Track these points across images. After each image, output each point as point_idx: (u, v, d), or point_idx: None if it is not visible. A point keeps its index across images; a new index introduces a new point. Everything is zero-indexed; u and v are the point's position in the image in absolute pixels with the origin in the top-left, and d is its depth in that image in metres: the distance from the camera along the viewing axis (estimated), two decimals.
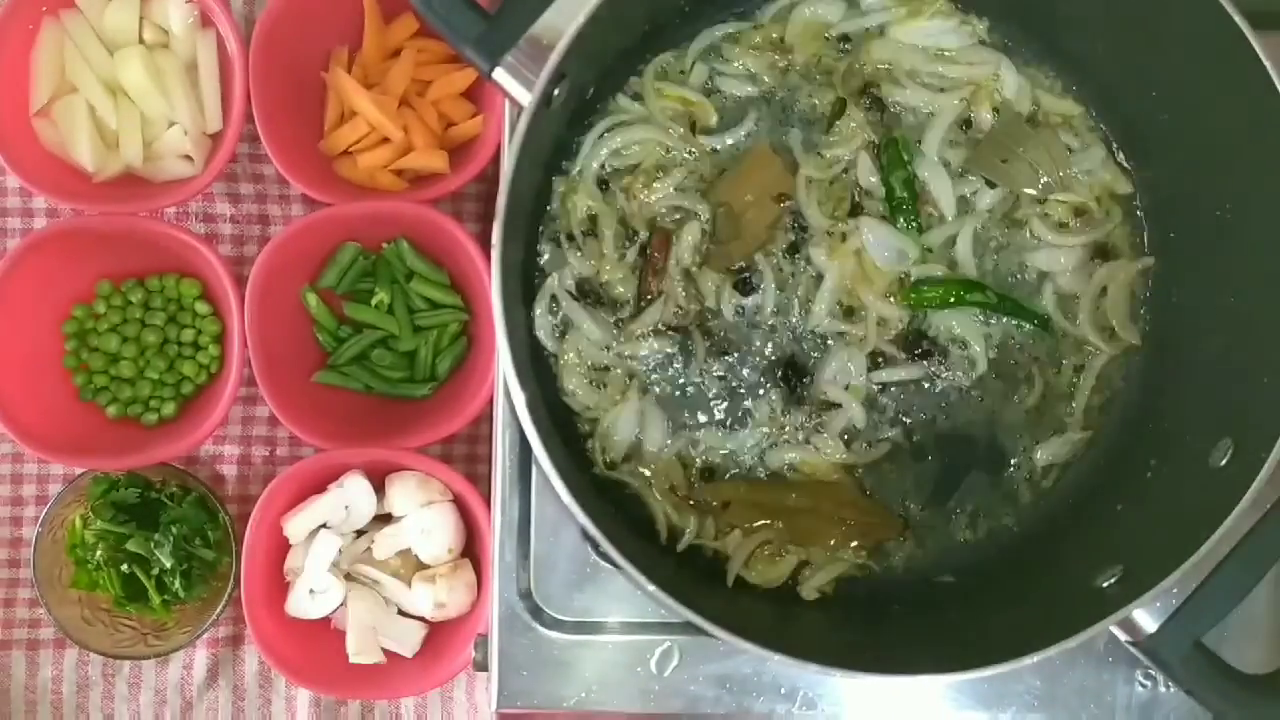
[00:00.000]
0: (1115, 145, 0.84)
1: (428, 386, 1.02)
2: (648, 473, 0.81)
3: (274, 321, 0.97)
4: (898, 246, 0.82)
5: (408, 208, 0.98)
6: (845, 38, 0.85)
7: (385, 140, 1.01)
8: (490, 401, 0.95)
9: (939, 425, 0.83)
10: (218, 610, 0.98)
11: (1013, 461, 0.83)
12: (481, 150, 0.98)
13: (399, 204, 0.99)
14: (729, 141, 0.83)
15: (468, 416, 0.95)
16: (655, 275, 0.82)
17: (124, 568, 0.99)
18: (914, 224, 0.82)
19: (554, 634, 0.81)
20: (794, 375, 0.82)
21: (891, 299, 0.82)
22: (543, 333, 0.81)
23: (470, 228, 1.03)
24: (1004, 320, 0.83)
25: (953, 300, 0.82)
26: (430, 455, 0.98)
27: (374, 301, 1.01)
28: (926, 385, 0.83)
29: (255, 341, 0.95)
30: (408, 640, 0.98)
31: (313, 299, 1.00)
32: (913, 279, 0.83)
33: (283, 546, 0.98)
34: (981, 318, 0.83)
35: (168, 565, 0.98)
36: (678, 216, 0.83)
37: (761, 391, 0.82)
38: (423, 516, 0.96)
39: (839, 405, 0.82)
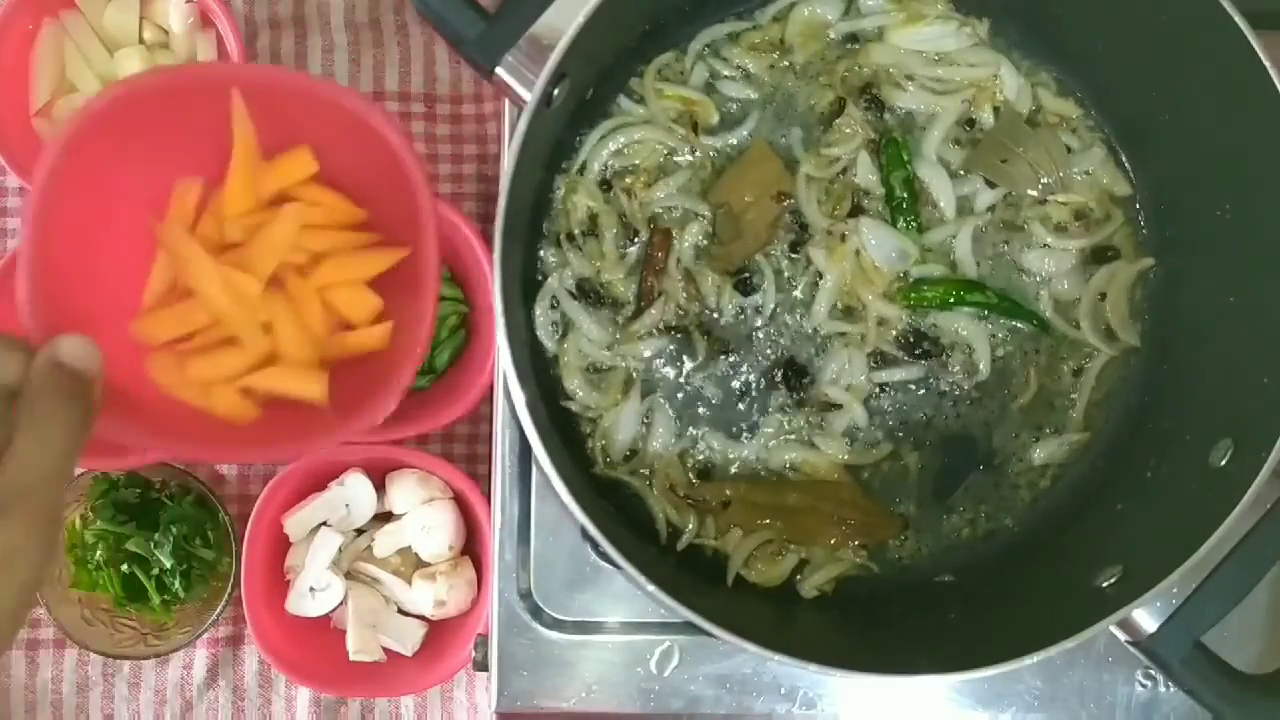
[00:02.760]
0: (1115, 145, 0.84)
1: (426, 378, 1.02)
2: (648, 473, 0.81)
3: None
4: (898, 246, 0.82)
5: None
6: (845, 37, 0.85)
7: (232, 341, 0.61)
8: (488, 393, 0.95)
9: (939, 425, 0.83)
10: (218, 610, 0.98)
11: (1013, 461, 0.83)
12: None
13: None
14: (731, 141, 0.83)
15: (465, 407, 0.95)
16: (656, 275, 0.82)
17: (124, 568, 0.99)
18: (914, 224, 0.82)
19: (554, 634, 0.81)
20: (794, 375, 0.82)
21: (891, 299, 0.82)
22: (543, 333, 0.82)
23: None
24: (1004, 321, 0.83)
25: (952, 300, 0.82)
26: (430, 452, 0.98)
27: None
28: (928, 385, 0.83)
29: None
30: (408, 638, 0.98)
31: None
32: (912, 279, 0.83)
33: (283, 545, 0.98)
34: (985, 321, 0.83)
35: (168, 565, 0.98)
36: (679, 216, 0.83)
37: (762, 392, 0.82)
38: (423, 514, 0.96)
39: (840, 405, 0.82)
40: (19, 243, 0.97)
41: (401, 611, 1.00)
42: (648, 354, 0.82)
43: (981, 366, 0.83)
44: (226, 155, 0.61)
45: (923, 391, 0.83)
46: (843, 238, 0.82)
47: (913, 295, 0.82)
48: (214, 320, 0.61)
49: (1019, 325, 0.83)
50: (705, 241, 0.83)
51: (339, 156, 0.63)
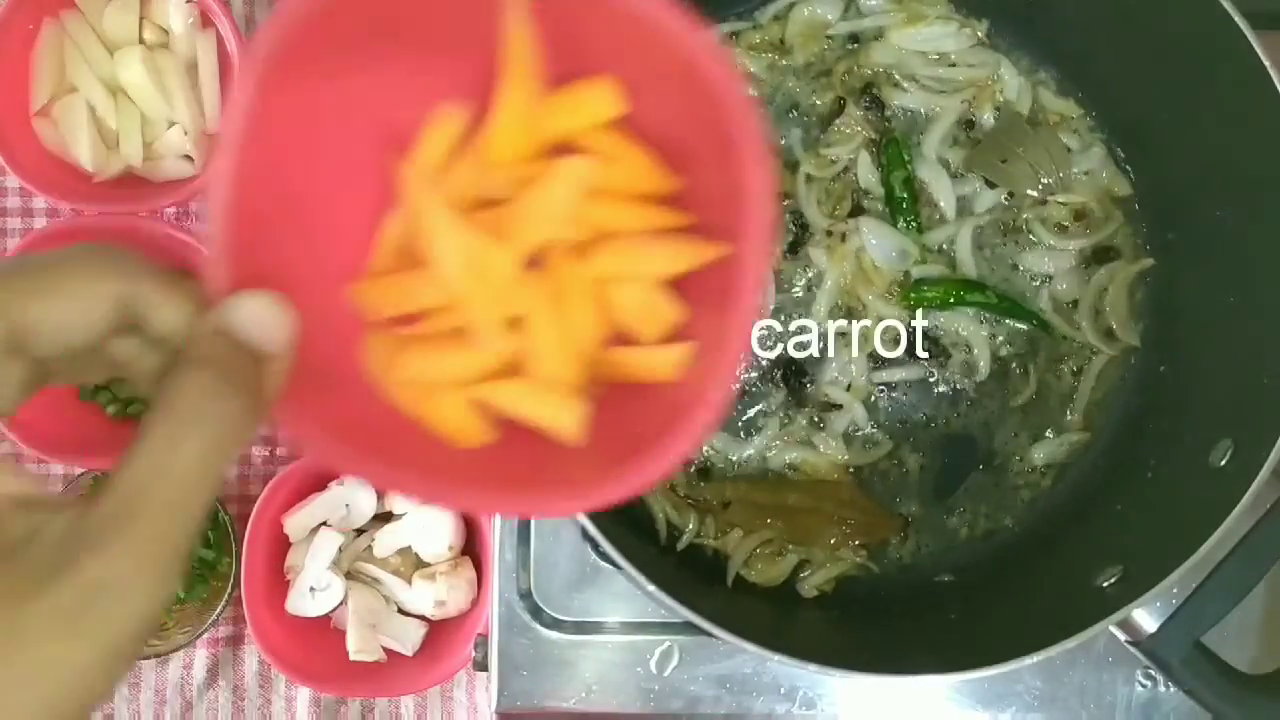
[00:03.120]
0: (1115, 145, 0.84)
1: None
2: None
3: None
4: (899, 246, 0.82)
5: None
6: (845, 38, 0.85)
7: (465, 334, 0.44)
8: None
9: (939, 425, 0.83)
10: (218, 610, 0.98)
11: (1013, 461, 0.83)
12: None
13: None
14: None
15: None
16: None
17: None
18: (914, 224, 0.82)
19: (554, 634, 0.81)
20: (794, 376, 0.82)
21: (892, 299, 0.82)
22: None
23: None
24: (1004, 321, 0.83)
25: (952, 300, 0.82)
26: None
27: None
28: (929, 385, 0.83)
29: None
30: (408, 638, 0.98)
31: None
32: (913, 279, 0.83)
33: (283, 544, 0.98)
34: (985, 322, 0.83)
35: None
36: None
37: (763, 392, 0.82)
38: (423, 514, 0.96)
39: (840, 406, 0.82)
40: (20, 242, 0.97)
41: (401, 611, 1.00)
42: None
43: (981, 366, 0.83)
44: (495, 78, 0.44)
45: (923, 392, 0.83)
46: (843, 238, 0.82)
47: (913, 295, 0.82)
48: (447, 302, 0.44)
49: (1019, 325, 0.83)
50: None
51: (646, 104, 0.44)
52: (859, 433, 0.83)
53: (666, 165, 0.45)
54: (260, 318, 0.37)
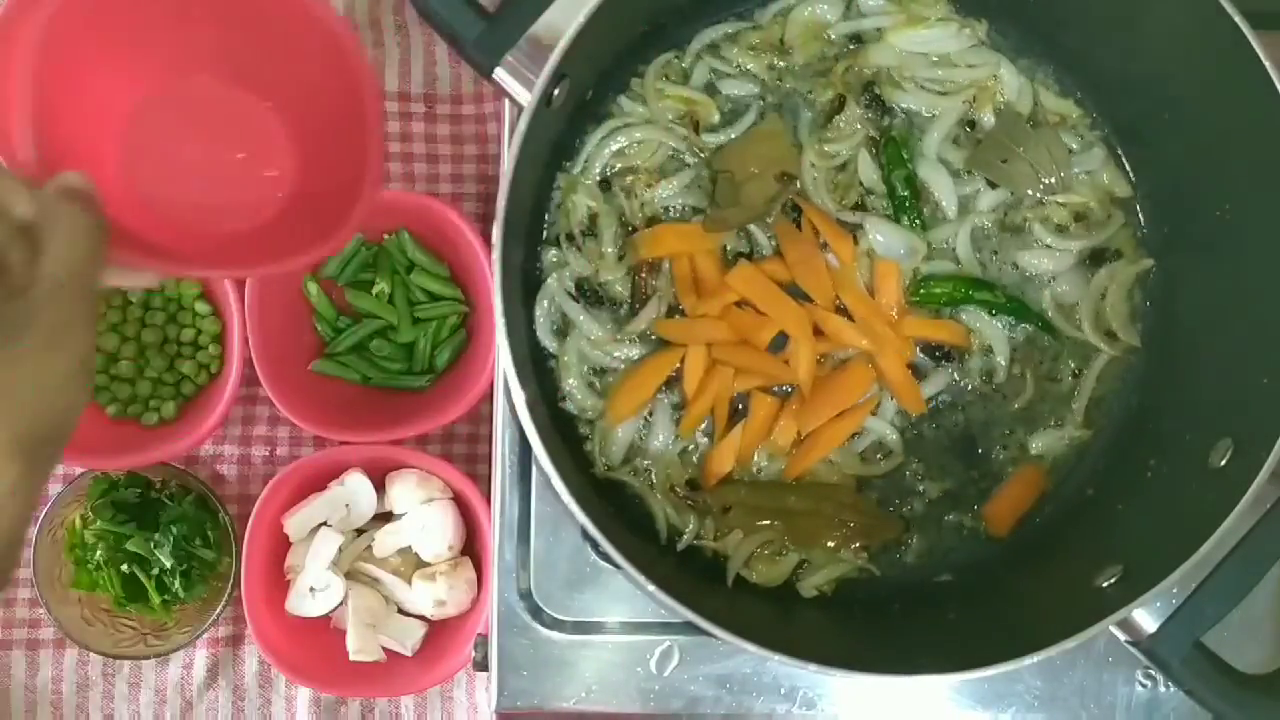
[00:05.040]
0: (1115, 145, 0.84)
1: (425, 379, 1.02)
2: (648, 474, 0.81)
3: (274, 310, 0.97)
4: (906, 243, 0.82)
5: (410, 198, 0.98)
6: (845, 38, 0.85)
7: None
8: (487, 394, 0.95)
9: (941, 425, 0.83)
10: (218, 610, 0.98)
11: (1013, 461, 0.83)
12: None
13: (400, 194, 0.99)
14: (733, 136, 0.83)
15: (463, 408, 0.95)
16: (649, 272, 0.82)
17: (124, 568, 0.98)
18: (917, 222, 0.82)
19: (554, 634, 0.81)
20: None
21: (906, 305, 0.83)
22: (543, 333, 0.82)
23: None
24: (1006, 321, 0.83)
25: (960, 298, 0.82)
26: (430, 452, 0.98)
27: (374, 291, 1.01)
28: (950, 392, 0.83)
29: (255, 328, 0.95)
30: (408, 638, 0.98)
31: (313, 288, 1.00)
32: (920, 276, 0.83)
33: (283, 544, 0.98)
34: (1003, 321, 0.83)
35: (168, 565, 0.98)
36: (679, 216, 0.83)
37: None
38: (423, 514, 0.96)
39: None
40: None
41: (401, 611, 1.00)
42: (634, 354, 0.82)
43: (1000, 365, 0.83)
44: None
45: (946, 399, 0.83)
46: (855, 238, 0.82)
47: (921, 292, 0.82)
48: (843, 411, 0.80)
49: (1022, 325, 0.83)
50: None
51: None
52: (879, 454, 0.83)
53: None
54: (80, 180, 0.57)
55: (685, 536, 0.80)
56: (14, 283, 0.52)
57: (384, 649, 0.98)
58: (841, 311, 0.81)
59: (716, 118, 0.84)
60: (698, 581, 0.79)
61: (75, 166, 0.59)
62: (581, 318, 0.81)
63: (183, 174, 0.71)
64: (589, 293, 0.82)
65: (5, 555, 0.52)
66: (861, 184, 0.83)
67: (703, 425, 0.82)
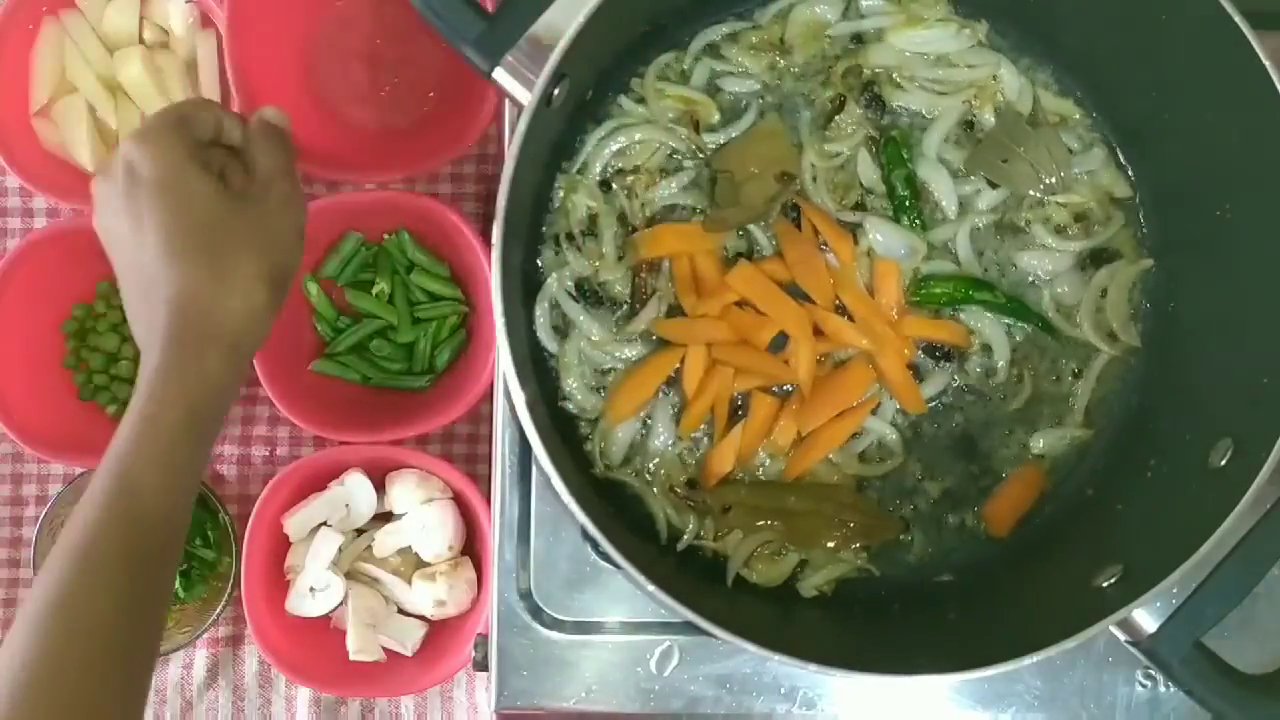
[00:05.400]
0: (1115, 145, 0.84)
1: (425, 379, 1.02)
2: (648, 474, 0.81)
3: None
4: (907, 243, 0.82)
5: (410, 198, 0.98)
6: (845, 38, 0.85)
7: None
8: (486, 395, 0.95)
9: (941, 425, 0.83)
10: (218, 610, 0.98)
11: (1013, 461, 0.83)
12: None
13: (400, 194, 0.99)
14: (733, 135, 0.83)
15: (463, 408, 0.95)
16: (649, 272, 0.82)
17: None
18: (917, 222, 0.82)
19: (554, 634, 0.81)
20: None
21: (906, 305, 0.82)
22: (543, 333, 0.82)
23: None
24: (1007, 321, 0.83)
25: (960, 298, 0.82)
26: (430, 452, 0.98)
27: (375, 291, 1.01)
28: (952, 393, 0.83)
29: None
30: (408, 638, 0.98)
31: (313, 288, 1.00)
32: (921, 275, 0.83)
33: (283, 544, 0.98)
34: (1003, 322, 0.83)
35: None
36: (680, 216, 0.83)
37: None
38: (423, 514, 0.96)
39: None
40: (19, 242, 0.97)
41: (401, 611, 1.00)
42: (633, 354, 0.82)
43: (1000, 365, 0.83)
44: None
45: (947, 399, 0.83)
46: (855, 238, 0.82)
47: (921, 292, 0.82)
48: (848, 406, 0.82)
49: (1022, 325, 0.83)
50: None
51: None
52: (877, 450, 0.83)
53: None
54: (275, 113, 0.78)
55: (685, 536, 0.80)
56: (236, 187, 0.73)
57: (384, 649, 0.98)
58: (841, 311, 0.81)
59: (716, 118, 0.84)
60: (698, 581, 0.79)
61: (269, 98, 0.89)
62: (581, 318, 0.81)
63: (349, 94, 1.01)
64: (589, 293, 0.82)
65: (248, 355, 0.73)
66: (861, 184, 0.83)
67: (703, 425, 0.82)
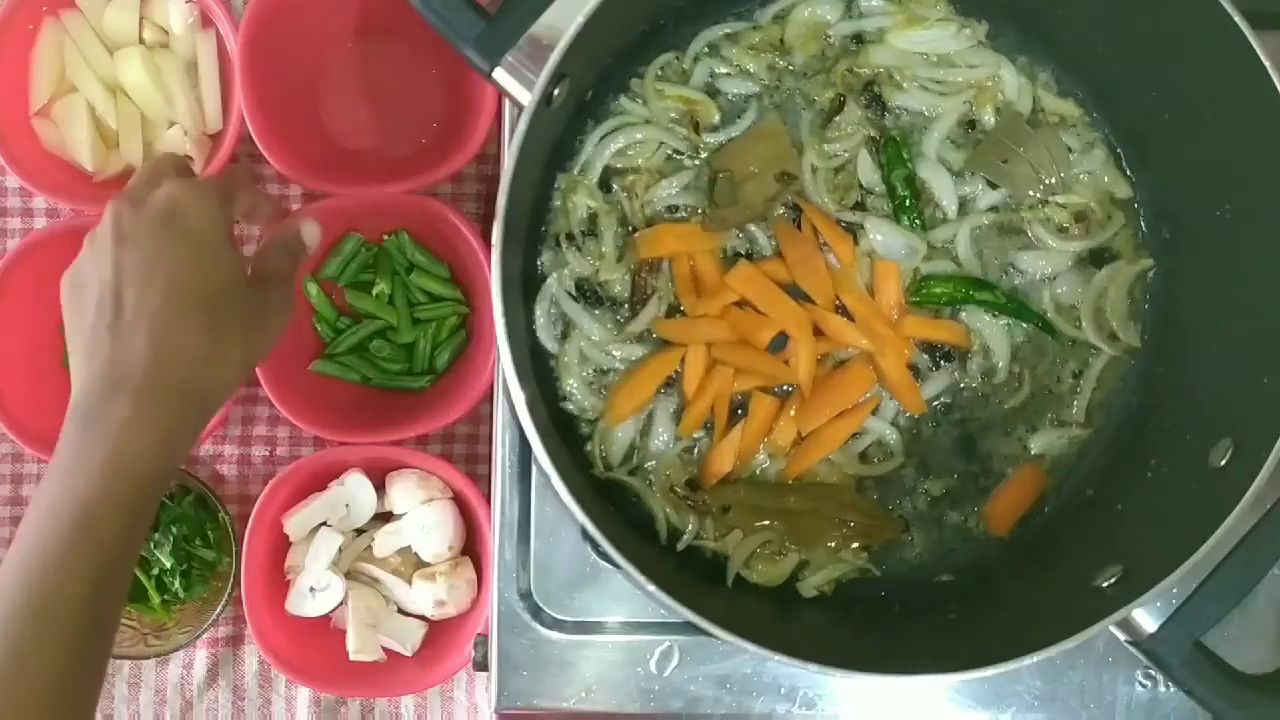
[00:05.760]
0: (1115, 146, 0.84)
1: (425, 379, 1.02)
2: (648, 474, 0.81)
3: None
4: (906, 244, 0.82)
5: (409, 199, 0.98)
6: (845, 39, 0.85)
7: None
8: (486, 395, 0.95)
9: (941, 425, 0.83)
10: (218, 610, 0.98)
11: (1013, 461, 0.83)
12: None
13: (400, 195, 0.99)
14: (733, 135, 0.83)
15: (463, 409, 0.95)
16: (649, 272, 0.82)
17: None
18: (917, 222, 0.82)
19: (554, 634, 0.81)
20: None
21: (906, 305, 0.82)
22: (543, 333, 0.82)
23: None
24: (1007, 321, 0.83)
25: (960, 298, 0.82)
26: (430, 452, 0.98)
27: (375, 292, 1.01)
28: (952, 393, 0.83)
29: None
30: (408, 638, 0.98)
31: (313, 289, 1.00)
32: (921, 275, 0.83)
33: (283, 545, 0.98)
34: (1003, 322, 0.83)
35: (168, 565, 0.98)
36: (680, 216, 0.83)
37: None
38: (423, 514, 0.96)
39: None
40: (19, 242, 0.97)
41: (401, 611, 1.00)
42: (633, 355, 0.82)
43: (1000, 365, 0.83)
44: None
45: (947, 399, 0.83)
46: (855, 238, 0.82)
47: (921, 292, 0.82)
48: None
49: (1022, 325, 0.83)
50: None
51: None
52: (879, 454, 0.83)
53: None
54: (312, 228, 0.84)
55: (685, 536, 0.80)
56: (268, 279, 0.79)
57: (384, 649, 0.98)
58: (841, 311, 0.81)
59: (716, 118, 0.84)
60: (698, 581, 0.79)
61: (279, 129, 0.94)
62: (582, 318, 0.81)
63: (354, 126, 1.03)
64: (589, 293, 0.82)
65: (205, 425, 0.75)
66: (861, 184, 0.83)
67: (703, 425, 0.82)
